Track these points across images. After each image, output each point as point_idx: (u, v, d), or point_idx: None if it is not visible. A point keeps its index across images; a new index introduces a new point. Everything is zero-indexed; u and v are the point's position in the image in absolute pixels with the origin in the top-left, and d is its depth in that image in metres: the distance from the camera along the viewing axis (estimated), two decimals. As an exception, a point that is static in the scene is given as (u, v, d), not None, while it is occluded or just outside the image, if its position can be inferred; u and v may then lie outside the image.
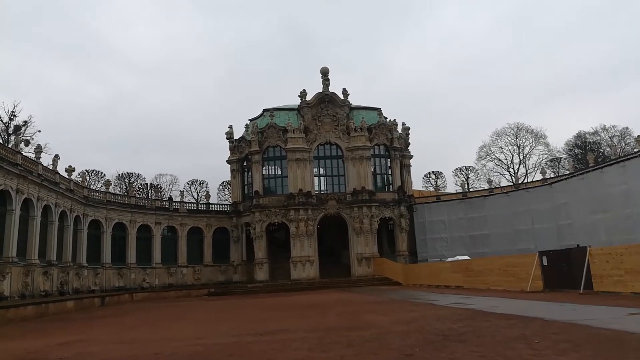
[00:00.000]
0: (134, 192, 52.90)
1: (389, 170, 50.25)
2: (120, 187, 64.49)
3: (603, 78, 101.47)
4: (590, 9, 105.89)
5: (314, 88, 50.54)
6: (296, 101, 50.16)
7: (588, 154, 42.70)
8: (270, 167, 49.67)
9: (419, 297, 25.35)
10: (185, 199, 55.39)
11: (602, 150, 60.18)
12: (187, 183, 68.80)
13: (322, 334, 12.72)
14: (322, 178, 49.60)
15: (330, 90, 49.35)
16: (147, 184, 68.10)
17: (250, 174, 49.53)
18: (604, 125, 64.75)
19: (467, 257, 37.57)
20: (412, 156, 53.07)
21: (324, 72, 49.69)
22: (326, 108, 49.01)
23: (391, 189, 49.29)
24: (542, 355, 8.32)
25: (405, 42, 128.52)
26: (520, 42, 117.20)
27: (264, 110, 51.17)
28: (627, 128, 62.93)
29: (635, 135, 44.92)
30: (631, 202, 31.24)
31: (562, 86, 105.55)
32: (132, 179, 66.84)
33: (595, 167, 36.06)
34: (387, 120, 51.08)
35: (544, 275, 23.66)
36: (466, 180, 67.29)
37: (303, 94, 49.46)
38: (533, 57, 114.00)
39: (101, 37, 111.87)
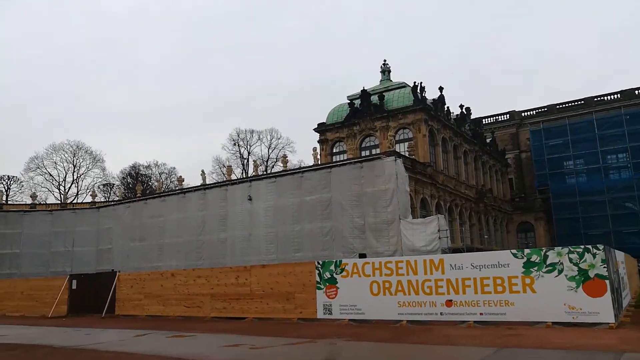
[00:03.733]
0: None
1: None
2: None
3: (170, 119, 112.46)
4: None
5: None
6: None
7: (137, 185, 45.49)
8: None
9: None
10: None
11: (151, 184, 65.50)
12: None
13: None
14: None
15: None
16: None
17: None
18: (157, 162, 71.46)
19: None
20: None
21: None
22: None
23: None
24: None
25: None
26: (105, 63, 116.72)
27: None
28: (174, 168, 71.45)
29: (179, 175, 51.10)
30: (164, 233, 35.21)
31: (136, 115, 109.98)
32: None
33: (141, 198, 38.95)
34: None
35: (70, 300, 23.14)
36: (6, 191, 59.48)
37: None
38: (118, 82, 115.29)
39: None
